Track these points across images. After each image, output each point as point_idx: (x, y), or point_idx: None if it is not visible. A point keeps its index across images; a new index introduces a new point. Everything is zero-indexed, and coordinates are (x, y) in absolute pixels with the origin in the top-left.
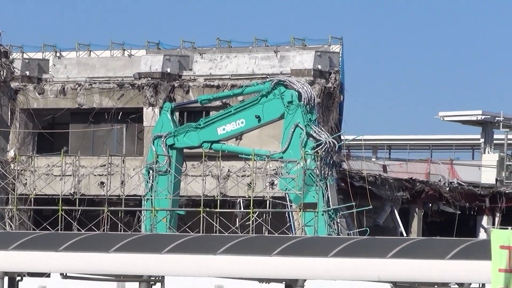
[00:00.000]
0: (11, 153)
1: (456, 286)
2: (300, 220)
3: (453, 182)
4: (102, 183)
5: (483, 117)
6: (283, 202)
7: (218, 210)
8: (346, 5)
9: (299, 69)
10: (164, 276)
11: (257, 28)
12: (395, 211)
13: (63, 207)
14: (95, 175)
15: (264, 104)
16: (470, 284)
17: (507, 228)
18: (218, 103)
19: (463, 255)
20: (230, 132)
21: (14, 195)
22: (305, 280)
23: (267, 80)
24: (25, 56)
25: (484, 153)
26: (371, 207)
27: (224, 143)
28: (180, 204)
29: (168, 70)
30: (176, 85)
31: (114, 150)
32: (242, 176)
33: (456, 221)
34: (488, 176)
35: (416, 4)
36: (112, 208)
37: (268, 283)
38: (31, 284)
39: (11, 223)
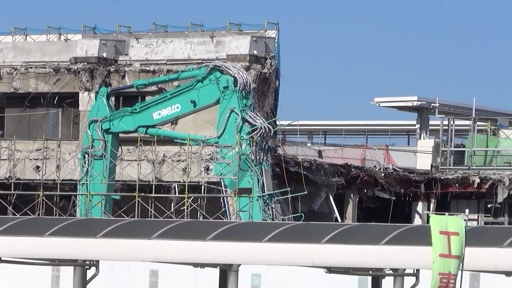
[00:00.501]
0: None
1: (391, 271)
2: (235, 205)
3: (388, 168)
4: (37, 167)
5: (418, 103)
6: (218, 187)
7: (153, 195)
8: None
9: (235, 55)
10: (98, 261)
11: (193, 13)
12: (330, 196)
13: None
14: (30, 159)
15: (200, 89)
16: (405, 269)
17: (444, 214)
18: (154, 88)
19: (396, 240)
20: (166, 117)
21: None
22: (239, 265)
23: (203, 65)
24: None
25: (420, 139)
26: (306, 192)
27: (160, 128)
28: (115, 188)
29: (104, 55)
30: (112, 70)
31: (49, 134)
32: (177, 161)
33: (391, 207)
34: (423, 162)
35: None
36: (48, 192)
37: (203, 268)
38: None
39: None
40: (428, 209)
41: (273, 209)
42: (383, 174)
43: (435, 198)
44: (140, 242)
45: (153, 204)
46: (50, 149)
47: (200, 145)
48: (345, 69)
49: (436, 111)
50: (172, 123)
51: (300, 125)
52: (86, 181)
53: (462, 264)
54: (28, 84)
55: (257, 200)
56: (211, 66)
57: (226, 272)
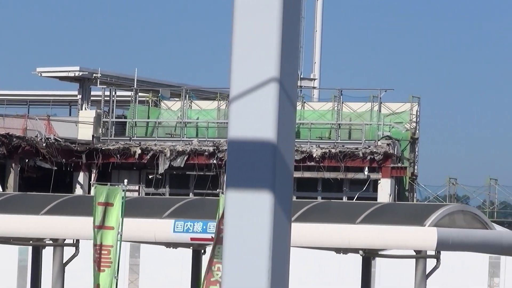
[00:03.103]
0: None
1: (51, 241)
2: None
3: (50, 138)
4: None
5: (80, 73)
6: None
7: None
8: None
9: None
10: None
11: None
12: None
13: None
14: None
15: None
16: (65, 240)
17: (106, 184)
18: None
19: (56, 210)
20: None
21: None
22: None
23: None
24: None
25: (81, 109)
26: None
27: None
28: None
29: None
30: None
31: None
32: None
33: (53, 177)
34: (85, 133)
35: None
36: None
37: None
38: None
39: None
40: (90, 179)
41: None
42: (44, 144)
43: (96, 168)
44: None
45: None
46: None
47: None
48: (5, 38)
49: (98, 82)
50: None
51: None
52: None
53: (120, 235)
54: None
55: None
56: None
57: None
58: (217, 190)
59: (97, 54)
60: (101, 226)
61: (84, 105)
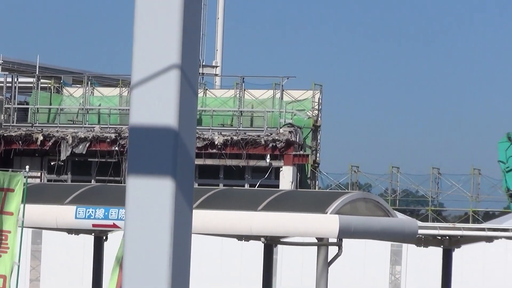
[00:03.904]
0: None
1: None
2: None
3: None
4: None
5: None
6: None
7: None
8: None
9: None
10: None
11: None
12: None
13: None
14: None
15: None
16: None
17: (8, 171)
18: None
19: None
20: None
21: None
22: None
23: None
24: None
25: None
26: None
27: None
28: None
29: None
30: None
31: None
32: None
33: None
34: None
35: None
36: None
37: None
38: None
39: None
40: None
41: None
42: None
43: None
44: None
45: None
46: None
47: None
48: None
49: (0, 68)
50: None
51: None
52: None
53: (22, 221)
54: None
55: None
56: None
57: None
58: (119, 177)
59: None
60: (0, 212)
61: None
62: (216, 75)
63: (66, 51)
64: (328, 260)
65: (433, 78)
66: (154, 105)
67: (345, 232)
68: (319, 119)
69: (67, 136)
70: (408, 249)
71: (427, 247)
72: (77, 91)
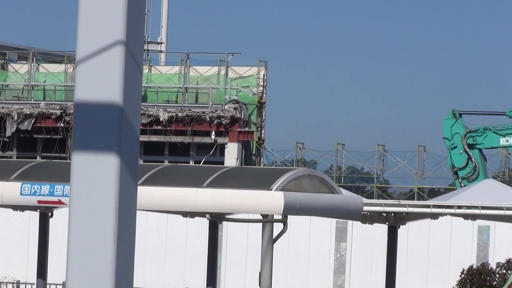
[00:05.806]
0: None
1: None
2: None
3: None
4: None
5: None
6: None
7: None
8: None
9: None
10: None
11: None
12: None
13: None
14: None
15: None
16: None
17: None
18: None
19: None
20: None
21: None
22: None
23: None
24: None
25: None
26: None
27: None
28: None
29: None
30: None
31: None
32: None
33: None
34: None
35: None
36: None
37: None
38: None
39: None
40: None
41: None
42: None
43: None
44: None
45: None
46: None
47: None
48: None
49: None
50: None
51: None
52: None
53: None
54: None
55: None
56: None
57: None
58: (65, 153)
59: None
60: None
61: None
62: (161, 51)
63: (11, 27)
64: (273, 237)
65: (377, 53)
66: (99, 81)
67: (290, 209)
68: (264, 95)
69: (12, 112)
70: (354, 226)
71: (373, 224)
72: (22, 67)
